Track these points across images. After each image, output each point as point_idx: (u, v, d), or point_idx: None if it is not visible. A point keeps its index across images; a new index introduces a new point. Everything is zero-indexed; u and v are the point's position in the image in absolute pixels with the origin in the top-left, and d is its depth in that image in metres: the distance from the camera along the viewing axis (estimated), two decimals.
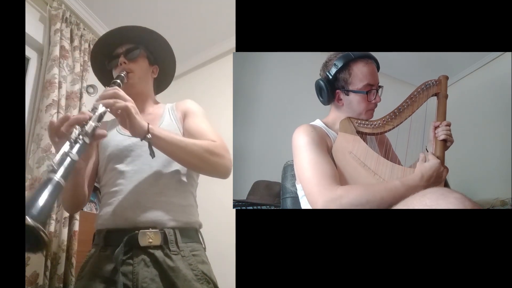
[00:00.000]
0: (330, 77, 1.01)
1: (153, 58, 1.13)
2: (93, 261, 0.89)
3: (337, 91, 1.02)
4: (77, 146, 0.70)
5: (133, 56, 1.06)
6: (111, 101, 0.81)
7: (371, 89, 0.99)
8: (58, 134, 0.75)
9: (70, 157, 0.67)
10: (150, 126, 0.84)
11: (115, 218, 0.91)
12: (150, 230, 0.88)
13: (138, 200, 0.91)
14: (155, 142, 0.85)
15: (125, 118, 0.82)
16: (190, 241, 0.93)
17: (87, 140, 0.73)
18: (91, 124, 0.75)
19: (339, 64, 1.00)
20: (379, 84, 1.03)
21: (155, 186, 0.93)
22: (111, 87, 0.85)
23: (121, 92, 0.83)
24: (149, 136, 0.83)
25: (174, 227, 0.91)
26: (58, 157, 0.66)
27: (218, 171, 0.95)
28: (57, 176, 0.62)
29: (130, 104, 0.82)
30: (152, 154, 0.85)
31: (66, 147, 0.69)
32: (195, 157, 0.90)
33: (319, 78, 1.06)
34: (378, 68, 1.04)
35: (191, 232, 0.95)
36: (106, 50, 1.09)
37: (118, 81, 0.95)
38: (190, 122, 1.04)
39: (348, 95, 1.01)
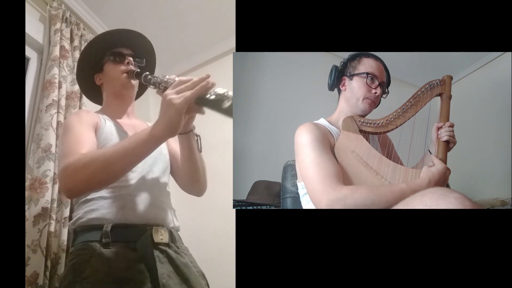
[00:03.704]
0: (343, 63, 1.10)
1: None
2: (99, 260, 0.80)
3: (344, 77, 1.09)
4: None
5: (138, 63, 1.07)
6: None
7: (373, 78, 1.04)
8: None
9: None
10: None
11: (125, 212, 0.88)
12: (161, 227, 0.91)
13: (148, 197, 0.93)
14: (192, 140, 0.91)
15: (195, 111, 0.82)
16: (182, 242, 1.01)
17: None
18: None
19: (354, 54, 1.10)
20: (387, 90, 1.08)
21: (157, 187, 0.98)
22: (172, 76, 0.84)
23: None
24: (195, 130, 0.89)
25: (174, 227, 0.98)
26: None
27: (203, 188, 1.06)
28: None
29: None
30: (200, 149, 0.93)
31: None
32: (202, 169, 1.00)
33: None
34: (389, 81, 1.10)
35: (178, 234, 1.02)
36: (109, 44, 1.07)
37: (148, 72, 0.96)
38: (175, 146, 1.09)
39: (351, 79, 1.06)
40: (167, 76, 0.84)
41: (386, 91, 1.07)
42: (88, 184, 0.78)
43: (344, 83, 1.08)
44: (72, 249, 0.88)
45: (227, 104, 0.70)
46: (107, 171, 0.75)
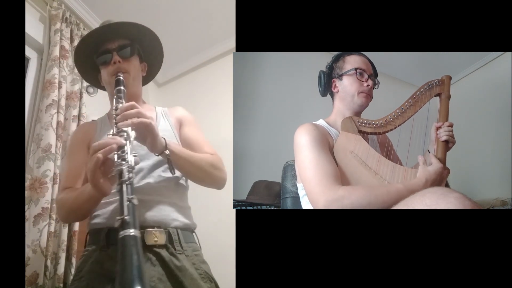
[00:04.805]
0: (328, 67, 1.12)
1: (144, 55, 1.11)
2: (94, 261, 0.86)
3: (333, 79, 1.11)
4: (129, 187, 0.68)
5: (127, 54, 1.02)
6: (136, 120, 0.79)
7: (362, 72, 1.06)
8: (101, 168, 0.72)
9: (133, 202, 0.65)
10: (167, 141, 0.86)
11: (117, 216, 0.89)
12: (155, 229, 0.89)
13: (143, 200, 0.90)
14: (166, 160, 0.86)
15: (146, 136, 0.81)
16: (190, 242, 0.96)
17: (132, 175, 0.70)
18: (132, 157, 0.72)
19: (336, 55, 1.12)
20: (377, 80, 1.10)
21: (156, 187, 0.94)
22: (129, 103, 0.82)
23: (141, 109, 0.82)
24: (167, 152, 0.85)
25: (177, 227, 0.93)
26: (125, 207, 0.63)
27: (217, 184, 1.02)
28: (132, 231, 0.60)
29: (153, 122, 0.82)
30: (173, 171, 0.88)
31: (126, 192, 0.66)
32: (202, 171, 0.96)
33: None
34: (376, 73, 1.11)
35: (190, 233, 0.98)
36: (95, 44, 1.03)
37: (122, 88, 0.93)
38: (188, 131, 1.06)
39: (341, 79, 1.08)
40: (120, 105, 0.84)
41: (377, 82, 1.09)
42: (68, 219, 1.09)
43: (335, 85, 1.10)
44: (83, 250, 0.94)
45: (117, 187, 0.68)
46: (74, 214, 0.93)
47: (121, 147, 0.73)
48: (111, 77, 0.99)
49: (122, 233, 0.59)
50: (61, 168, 1.05)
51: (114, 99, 0.91)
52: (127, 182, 0.68)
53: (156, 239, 0.87)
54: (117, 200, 0.89)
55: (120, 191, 0.67)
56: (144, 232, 0.87)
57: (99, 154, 0.71)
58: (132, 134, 0.77)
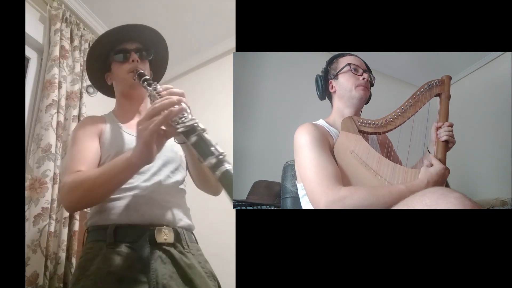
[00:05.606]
0: (323, 70, 1.14)
1: (152, 62, 1.13)
2: (102, 259, 0.84)
3: (330, 81, 1.13)
4: (207, 135, 0.70)
5: (143, 57, 1.06)
6: (184, 99, 0.78)
7: (356, 67, 1.09)
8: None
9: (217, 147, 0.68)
10: None
11: (128, 213, 0.89)
12: (165, 227, 0.90)
13: (153, 197, 0.92)
14: (191, 149, 0.85)
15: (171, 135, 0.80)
16: (193, 242, 0.99)
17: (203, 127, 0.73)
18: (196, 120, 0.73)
19: (330, 58, 1.15)
20: (373, 76, 1.12)
21: (164, 186, 0.96)
22: (169, 86, 0.82)
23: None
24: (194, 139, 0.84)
25: (182, 226, 0.96)
26: (214, 148, 0.66)
27: (217, 190, 1.06)
28: (229, 165, 0.63)
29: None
30: (202, 158, 0.87)
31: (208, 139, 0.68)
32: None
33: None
34: (370, 71, 1.13)
35: (191, 234, 1.01)
36: (113, 43, 1.06)
37: (148, 76, 0.94)
38: None
39: (337, 78, 1.10)
40: (158, 87, 0.84)
41: (372, 77, 1.11)
42: (80, 204, 0.90)
43: (332, 85, 1.12)
44: (84, 247, 0.93)
45: (193, 139, 0.69)
46: (93, 194, 0.84)
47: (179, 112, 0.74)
48: (127, 74, 1.02)
49: (223, 168, 0.62)
50: (68, 154, 1.00)
51: (145, 84, 0.91)
52: (205, 131, 0.70)
53: (165, 237, 0.89)
54: (124, 196, 0.90)
55: (201, 139, 0.68)
56: (155, 230, 0.88)
57: (174, 108, 0.71)
58: (185, 106, 0.76)
